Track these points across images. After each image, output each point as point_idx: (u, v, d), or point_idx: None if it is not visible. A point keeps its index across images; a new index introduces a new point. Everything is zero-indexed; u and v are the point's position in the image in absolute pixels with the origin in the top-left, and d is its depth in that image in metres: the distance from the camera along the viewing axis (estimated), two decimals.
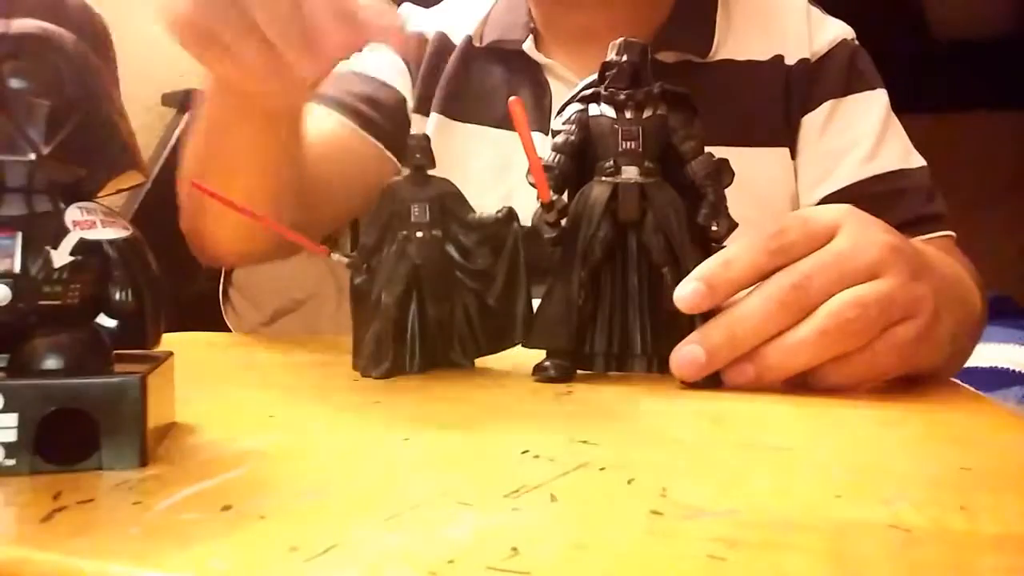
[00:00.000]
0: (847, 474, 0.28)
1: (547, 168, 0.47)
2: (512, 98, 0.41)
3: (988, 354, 1.49)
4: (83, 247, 0.28)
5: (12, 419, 0.26)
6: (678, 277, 0.47)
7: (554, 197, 0.46)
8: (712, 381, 0.46)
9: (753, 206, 0.76)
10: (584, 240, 0.47)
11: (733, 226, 0.47)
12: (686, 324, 0.47)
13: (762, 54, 0.84)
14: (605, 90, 0.48)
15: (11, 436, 0.26)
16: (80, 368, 0.27)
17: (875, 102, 0.84)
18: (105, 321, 0.30)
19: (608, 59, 0.49)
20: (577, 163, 0.49)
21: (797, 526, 0.22)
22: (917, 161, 0.83)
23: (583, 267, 0.48)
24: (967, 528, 0.22)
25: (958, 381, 0.52)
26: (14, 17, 0.28)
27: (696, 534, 0.21)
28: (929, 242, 0.75)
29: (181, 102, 1.60)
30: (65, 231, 0.28)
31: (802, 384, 0.44)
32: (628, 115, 0.48)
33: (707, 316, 0.47)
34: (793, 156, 0.83)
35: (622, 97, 0.48)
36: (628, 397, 0.43)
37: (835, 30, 0.86)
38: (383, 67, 0.89)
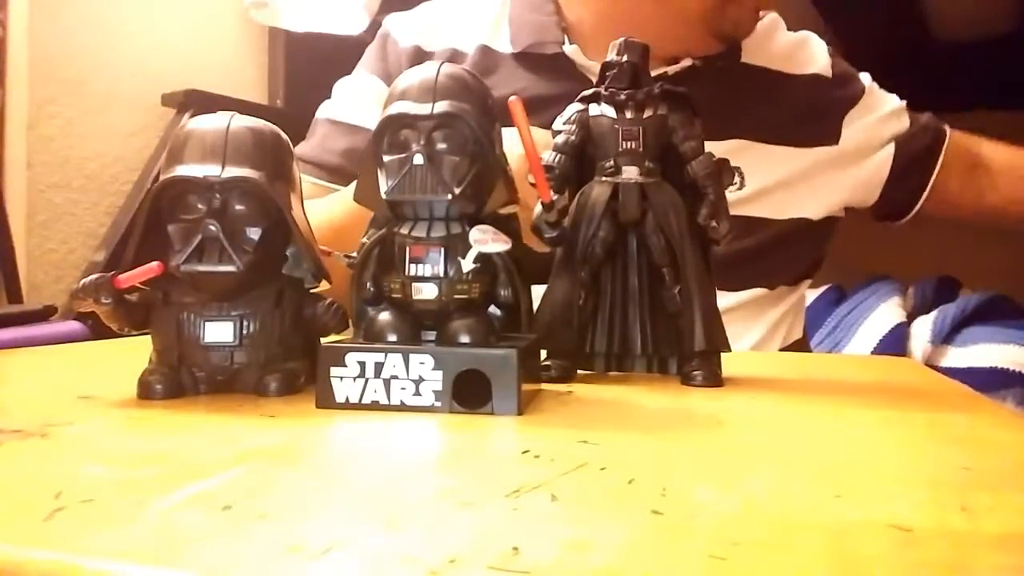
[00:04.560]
0: (847, 474, 0.28)
1: (548, 168, 0.47)
2: (512, 98, 0.41)
3: (988, 354, 1.49)
4: (481, 257, 0.39)
5: (439, 375, 0.36)
6: (678, 277, 0.47)
7: (554, 197, 0.46)
8: (713, 380, 0.46)
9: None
10: (584, 240, 0.47)
11: (733, 226, 0.47)
12: (686, 324, 0.47)
13: (781, 65, 0.92)
14: (606, 90, 0.48)
15: (438, 387, 0.36)
16: (481, 342, 0.38)
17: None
18: (494, 310, 0.41)
19: (608, 59, 0.49)
20: (577, 163, 0.49)
21: (797, 526, 0.22)
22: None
23: (584, 267, 0.48)
24: (967, 528, 0.22)
25: (958, 381, 0.52)
26: None
27: (697, 534, 0.21)
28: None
29: (181, 102, 1.60)
30: (469, 246, 0.38)
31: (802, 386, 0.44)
32: (628, 115, 0.48)
33: (708, 318, 0.47)
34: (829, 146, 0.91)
35: (622, 97, 0.48)
36: (628, 397, 0.43)
37: (822, 43, 0.96)
38: (362, 107, 0.89)
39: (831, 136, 0.91)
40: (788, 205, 0.88)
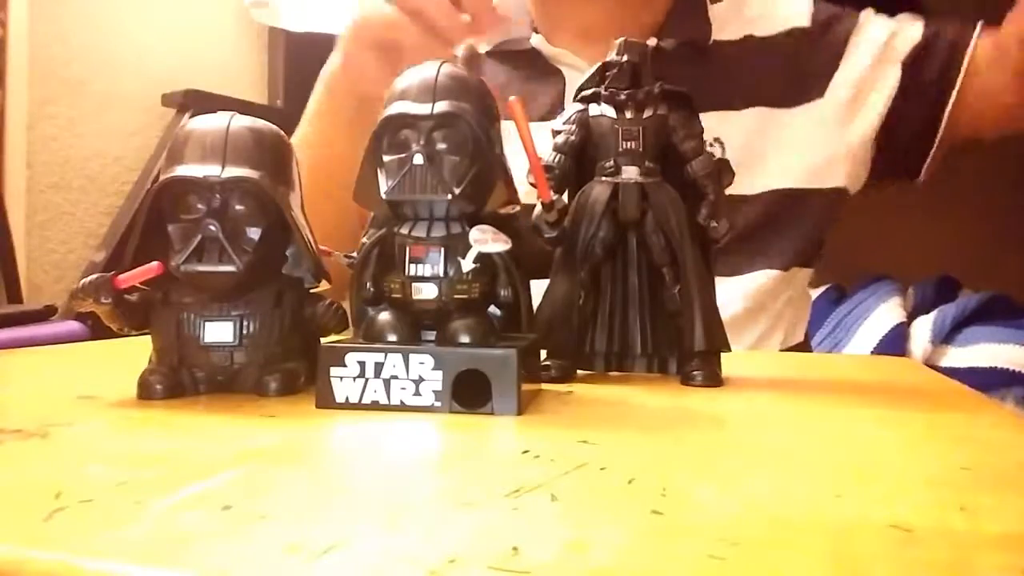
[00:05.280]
0: (847, 474, 0.28)
1: (547, 168, 0.47)
2: (512, 98, 0.41)
3: (988, 354, 1.49)
4: (481, 257, 0.38)
5: (438, 375, 0.36)
6: (678, 276, 0.47)
7: (554, 197, 0.46)
8: (713, 380, 0.46)
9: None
10: (584, 240, 0.47)
11: (733, 225, 0.47)
12: (686, 324, 0.47)
13: (758, 30, 0.88)
14: (605, 90, 0.48)
15: (438, 386, 0.36)
16: (481, 342, 0.38)
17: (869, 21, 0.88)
18: (494, 310, 0.41)
19: (608, 59, 0.49)
20: (577, 163, 0.49)
21: (797, 526, 0.22)
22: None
23: (583, 267, 0.48)
24: (967, 528, 0.22)
25: (958, 381, 0.52)
26: None
27: (696, 534, 0.21)
28: None
29: (181, 102, 1.60)
30: (469, 246, 0.38)
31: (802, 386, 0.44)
32: (628, 115, 0.48)
33: (708, 318, 0.47)
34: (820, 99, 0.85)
35: (622, 97, 0.48)
36: (628, 397, 0.43)
37: None
38: None
39: (813, 91, 0.85)
40: (756, 176, 0.83)
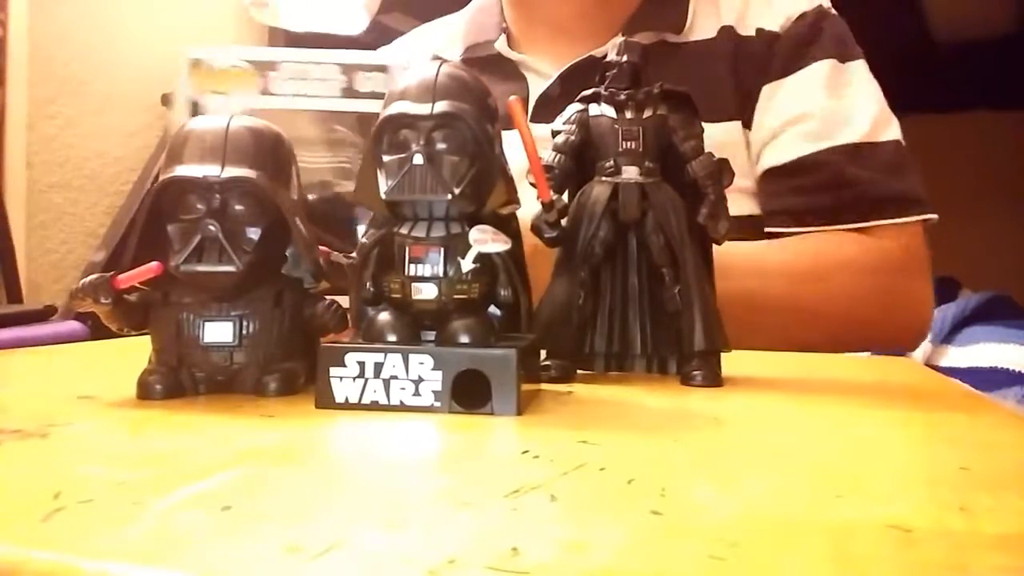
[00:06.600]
0: (847, 474, 0.28)
1: (547, 168, 0.47)
2: (512, 97, 0.41)
3: (988, 354, 1.49)
4: (480, 257, 0.38)
5: (438, 375, 0.36)
6: (678, 277, 0.47)
7: (554, 197, 0.46)
8: (712, 380, 0.46)
9: None
10: (584, 240, 0.47)
11: (733, 226, 0.47)
12: (686, 324, 0.47)
13: (713, 30, 0.84)
14: (605, 90, 0.48)
15: (438, 387, 0.36)
16: (480, 342, 0.38)
17: (838, 71, 0.82)
18: (494, 310, 0.41)
19: (608, 59, 0.49)
20: (577, 163, 0.49)
21: (797, 526, 0.22)
22: (886, 134, 0.79)
23: (583, 267, 0.48)
24: (967, 528, 0.22)
25: (958, 381, 0.52)
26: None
27: (696, 534, 0.21)
28: (892, 228, 0.75)
29: None
30: (469, 246, 0.38)
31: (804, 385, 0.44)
32: (628, 115, 0.48)
33: (708, 318, 0.47)
34: (747, 126, 0.81)
35: (622, 97, 0.48)
36: (628, 397, 0.43)
37: (799, 2, 0.84)
38: None
39: (735, 111, 0.80)
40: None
